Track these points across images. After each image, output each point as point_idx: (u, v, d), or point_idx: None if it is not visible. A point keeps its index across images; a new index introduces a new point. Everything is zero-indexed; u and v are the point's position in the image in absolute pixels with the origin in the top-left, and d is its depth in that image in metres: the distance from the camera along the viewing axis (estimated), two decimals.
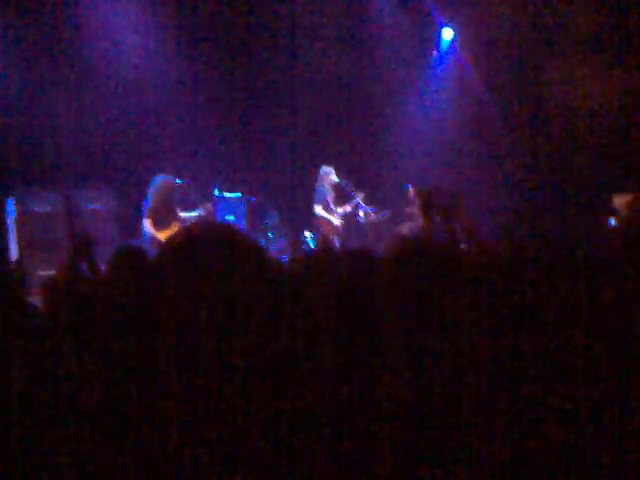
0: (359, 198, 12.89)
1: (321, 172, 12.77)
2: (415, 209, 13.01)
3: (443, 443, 2.57)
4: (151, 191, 10.80)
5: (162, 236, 10.53)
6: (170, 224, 10.77)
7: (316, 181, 12.79)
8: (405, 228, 13.12)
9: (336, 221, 12.72)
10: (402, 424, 2.59)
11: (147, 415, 2.52)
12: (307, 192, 12.93)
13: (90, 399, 2.51)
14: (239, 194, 13.14)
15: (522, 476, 2.53)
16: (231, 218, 12.86)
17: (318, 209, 12.64)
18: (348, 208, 12.90)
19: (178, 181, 11.26)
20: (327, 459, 2.52)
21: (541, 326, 2.63)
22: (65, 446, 2.43)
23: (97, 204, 11.92)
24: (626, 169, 12.82)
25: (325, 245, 9.87)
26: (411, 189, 12.98)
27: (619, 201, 10.57)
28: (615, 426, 2.56)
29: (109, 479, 2.46)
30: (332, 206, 12.74)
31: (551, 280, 2.73)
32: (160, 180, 10.87)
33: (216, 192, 12.81)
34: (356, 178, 13.14)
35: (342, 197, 12.94)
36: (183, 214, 11.13)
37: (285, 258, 11.54)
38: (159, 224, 10.71)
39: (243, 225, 12.95)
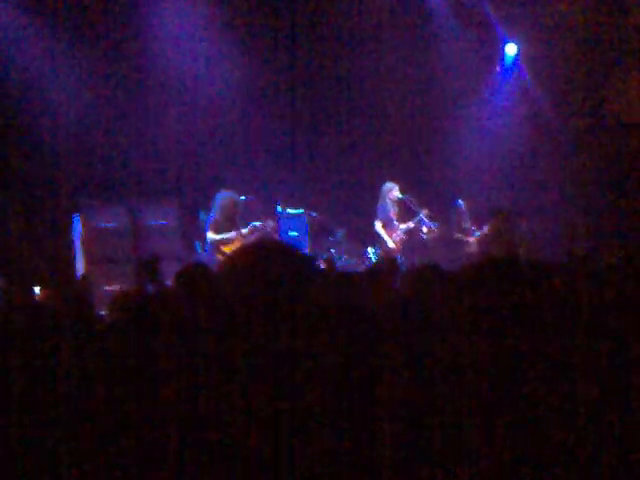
0: (423, 214, 12.85)
1: (384, 188, 12.76)
2: (469, 223, 13.15)
3: (443, 443, 2.57)
4: (215, 207, 10.97)
5: (225, 250, 10.66)
6: (233, 239, 10.89)
7: (379, 197, 12.78)
8: (473, 243, 13.17)
9: (397, 237, 12.67)
10: (402, 424, 2.59)
11: (149, 415, 2.56)
12: (371, 208, 12.91)
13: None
14: (301, 210, 13.15)
15: (522, 476, 2.52)
16: (294, 234, 12.89)
17: (378, 225, 12.62)
18: (411, 224, 12.85)
19: (242, 198, 11.36)
20: (327, 459, 2.53)
21: (541, 326, 2.61)
22: (65, 446, 2.47)
23: (161, 219, 12.02)
24: None
25: (386, 261, 9.83)
26: (464, 204, 13.10)
27: None
28: (615, 426, 2.54)
29: (109, 479, 2.49)
30: (395, 222, 12.71)
31: (552, 281, 2.72)
32: (223, 196, 11.02)
33: (279, 208, 12.85)
34: (419, 193, 13.10)
35: (406, 213, 12.91)
36: (244, 230, 11.19)
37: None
38: (222, 240, 10.86)
39: (306, 241, 12.98)
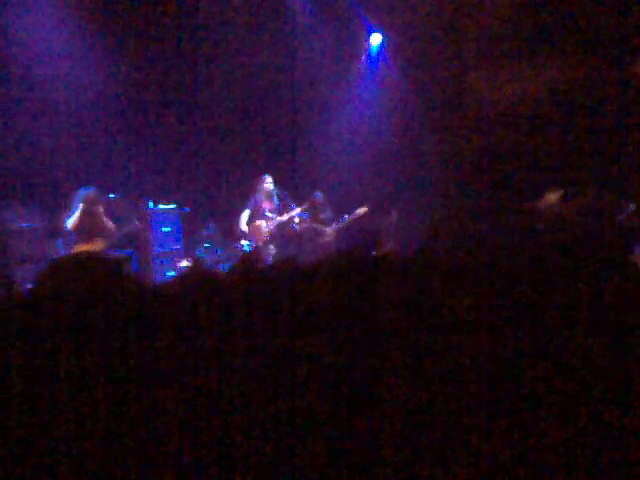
0: (299, 208, 12.89)
1: (258, 180, 12.75)
2: (329, 214, 13.36)
3: (443, 443, 2.56)
4: (75, 204, 10.68)
5: (84, 249, 10.41)
6: (94, 238, 10.66)
7: (253, 189, 12.77)
8: (329, 234, 13.34)
9: (267, 228, 12.66)
10: (402, 424, 2.58)
11: (147, 415, 2.49)
12: (244, 201, 12.85)
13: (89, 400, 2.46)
14: (174, 205, 13.01)
15: (522, 476, 2.53)
16: (167, 230, 12.75)
17: (244, 214, 12.58)
18: (285, 217, 12.87)
19: (111, 195, 11.17)
20: (327, 459, 2.50)
21: (541, 326, 2.63)
22: (65, 446, 2.38)
23: (25, 222, 11.66)
24: (549, 170, 13.07)
25: (253, 254, 9.83)
26: (321, 196, 13.29)
27: (549, 199, 10.77)
28: (615, 426, 2.57)
29: (109, 479, 2.41)
30: (267, 213, 12.69)
31: (551, 280, 2.74)
32: (84, 193, 10.73)
33: (150, 204, 12.68)
34: (288, 186, 13.14)
35: (280, 205, 12.92)
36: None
37: (223, 268, 11.53)
38: (83, 237, 10.61)
39: (180, 236, 12.88)
